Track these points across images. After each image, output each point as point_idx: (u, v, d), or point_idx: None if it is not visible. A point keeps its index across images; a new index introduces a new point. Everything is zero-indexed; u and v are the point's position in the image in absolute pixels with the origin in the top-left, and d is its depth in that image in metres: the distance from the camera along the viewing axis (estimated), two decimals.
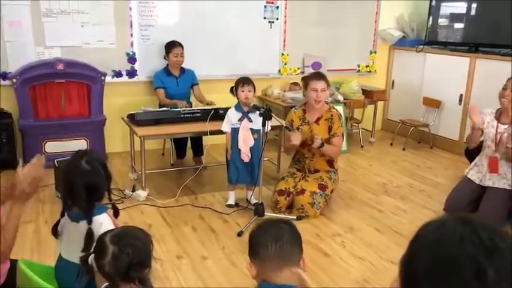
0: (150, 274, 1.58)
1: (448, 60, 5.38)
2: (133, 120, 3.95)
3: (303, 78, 3.93)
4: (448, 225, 0.75)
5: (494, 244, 0.70)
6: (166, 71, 4.63)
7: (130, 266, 1.49)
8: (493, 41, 5.02)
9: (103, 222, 1.84)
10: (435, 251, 0.73)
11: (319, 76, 3.68)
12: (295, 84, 5.53)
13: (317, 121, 3.72)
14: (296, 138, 3.59)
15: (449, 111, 5.38)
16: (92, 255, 1.59)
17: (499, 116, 3.50)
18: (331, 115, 3.72)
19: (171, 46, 4.55)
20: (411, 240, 0.79)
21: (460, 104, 5.23)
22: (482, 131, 3.56)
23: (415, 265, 0.75)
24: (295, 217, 3.53)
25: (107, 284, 1.57)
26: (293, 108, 3.92)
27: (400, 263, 0.80)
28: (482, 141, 3.60)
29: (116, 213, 2.00)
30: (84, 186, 1.82)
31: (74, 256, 1.77)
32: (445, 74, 5.40)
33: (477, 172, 3.60)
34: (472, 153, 3.96)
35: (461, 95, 5.20)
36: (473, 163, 3.68)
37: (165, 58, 4.66)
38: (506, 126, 3.44)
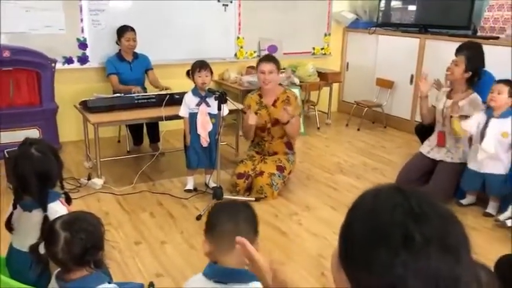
0: (104, 257, 1.58)
1: (399, 41, 5.53)
2: (86, 107, 3.87)
3: None
4: (381, 194, 0.77)
5: (423, 211, 0.71)
6: (119, 56, 4.54)
7: (85, 250, 1.49)
8: (442, 23, 5.19)
9: (58, 210, 1.82)
10: (368, 221, 0.74)
11: (267, 58, 3.73)
12: (252, 68, 5.53)
13: (274, 104, 3.76)
14: (252, 119, 3.62)
15: (401, 91, 5.54)
16: (42, 244, 1.58)
17: (449, 92, 3.67)
18: (287, 96, 3.77)
19: (123, 31, 4.47)
20: (348, 210, 0.81)
21: (411, 84, 5.40)
22: (435, 107, 3.73)
23: (351, 235, 0.77)
24: (253, 199, 3.58)
25: (58, 270, 1.56)
26: (249, 94, 3.95)
27: (339, 233, 0.82)
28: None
29: (69, 201, 1.99)
30: (36, 174, 1.79)
31: (27, 246, 1.75)
32: (396, 55, 5.55)
33: (428, 146, 3.78)
34: (422, 132, 4.13)
35: (412, 75, 5.37)
36: (427, 139, 3.84)
37: (117, 43, 4.57)
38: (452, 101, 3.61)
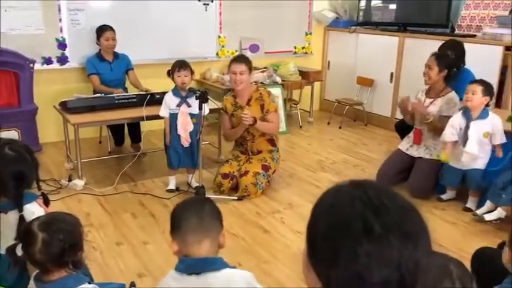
0: (83, 257, 1.57)
1: (379, 40, 5.58)
2: (66, 108, 3.83)
3: None
4: (342, 190, 0.80)
5: (381, 202, 0.74)
6: (99, 56, 4.50)
7: (64, 251, 1.48)
8: (421, 21, 5.27)
9: (34, 212, 1.81)
10: (330, 214, 0.77)
11: (238, 59, 3.71)
12: None
13: (248, 103, 3.76)
14: (250, 118, 3.56)
15: (381, 89, 5.60)
16: (20, 245, 1.56)
17: (428, 91, 3.73)
18: (260, 94, 3.75)
19: (102, 30, 4.42)
20: (313, 206, 0.83)
21: (391, 82, 5.47)
22: None
23: (315, 231, 0.79)
24: (236, 198, 3.58)
25: (37, 271, 1.55)
26: (225, 96, 3.96)
27: (306, 231, 0.84)
28: None
29: (47, 203, 1.97)
30: (11, 173, 1.77)
31: (4, 248, 1.73)
32: (376, 53, 5.61)
33: (407, 143, 3.83)
34: (402, 129, 4.19)
35: (392, 73, 5.43)
36: (406, 136, 3.90)
37: (97, 43, 4.53)
38: (431, 100, 3.66)
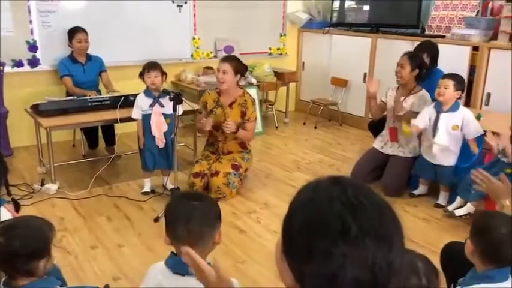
0: (48, 264, 1.53)
1: (352, 41, 5.66)
2: (38, 111, 3.76)
3: None
4: (320, 186, 0.80)
5: (359, 202, 0.74)
6: (72, 58, 4.44)
7: (14, 258, 1.45)
8: (392, 22, 5.36)
9: (0, 216, 1.77)
10: (307, 210, 0.77)
11: (225, 58, 3.74)
12: (209, 68, 5.54)
13: (231, 105, 3.76)
14: (208, 125, 3.64)
15: (355, 90, 5.68)
16: None
17: (399, 89, 3.80)
18: (245, 100, 3.77)
19: (74, 32, 4.37)
20: (290, 201, 0.83)
21: (364, 82, 5.53)
22: (386, 104, 3.86)
23: (292, 226, 0.79)
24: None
25: (6, 277, 1.53)
26: (208, 90, 3.96)
27: (282, 225, 0.84)
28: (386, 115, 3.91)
29: (17, 208, 1.94)
30: None
31: None
32: (349, 54, 5.68)
33: (380, 141, 3.90)
34: (375, 127, 4.26)
35: (365, 74, 5.51)
36: (379, 135, 3.97)
37: (69, 46, 4.46)
38: (403, 98, 3.73)
